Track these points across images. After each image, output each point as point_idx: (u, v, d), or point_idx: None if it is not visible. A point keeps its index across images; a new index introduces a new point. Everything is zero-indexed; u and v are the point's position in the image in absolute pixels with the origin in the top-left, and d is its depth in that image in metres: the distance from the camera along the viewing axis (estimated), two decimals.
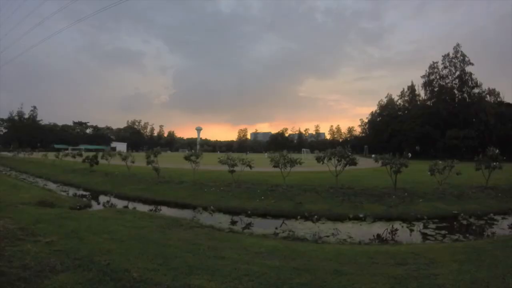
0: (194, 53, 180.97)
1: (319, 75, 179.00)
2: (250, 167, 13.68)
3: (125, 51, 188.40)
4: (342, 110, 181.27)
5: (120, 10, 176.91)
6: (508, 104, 56.30)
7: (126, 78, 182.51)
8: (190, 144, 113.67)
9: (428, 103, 60.40)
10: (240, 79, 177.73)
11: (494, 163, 13.27)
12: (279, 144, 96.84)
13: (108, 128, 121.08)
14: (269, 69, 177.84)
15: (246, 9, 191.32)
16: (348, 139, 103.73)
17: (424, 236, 7.99)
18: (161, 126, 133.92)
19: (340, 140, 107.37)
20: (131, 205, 11.96)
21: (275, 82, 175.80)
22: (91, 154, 21.87)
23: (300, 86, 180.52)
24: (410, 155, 13.39)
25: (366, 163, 22.36)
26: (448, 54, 58.04)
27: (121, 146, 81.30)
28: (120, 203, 12.35)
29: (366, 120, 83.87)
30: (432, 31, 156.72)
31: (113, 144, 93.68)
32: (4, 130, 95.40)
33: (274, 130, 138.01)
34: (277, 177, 13.98)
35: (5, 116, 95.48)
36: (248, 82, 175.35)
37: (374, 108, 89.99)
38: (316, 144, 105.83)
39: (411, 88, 66.27)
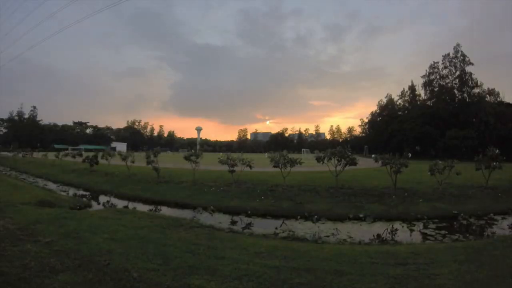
0: (191, 68, 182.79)
1: (307, 85, 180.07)
2: (250, 167, 13.69)
3: (129, 68, 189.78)
4: (334, 113, 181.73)
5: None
6: (508, 104, 56.25)
7: (129, 84, 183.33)
8: (190, 144, 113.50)
9: (428, 103, 60.46)
10: (239, 79, 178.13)
11: (494, 163, 13.26)
12: (279, 144, 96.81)
13: (108, 128, 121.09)
14: (264, 77, 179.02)
15: (230, 42, 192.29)
16: (348, 139, 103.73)
17: (424, 236, 7.99)
18: (161, 126, 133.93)
19: (340, 140, 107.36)
20: (131, 205, 11.96)
21: (271, 87, 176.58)
22: (91, 154, 21.85)
23: (295, 91, 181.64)
24: (410, 155, 13.33)
25: (366, 163, 22.34)
26: (448, 54, 58.13)
27: (121, 146, 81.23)
28: (120, 203, 12.35)
29: (366, 120, 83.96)
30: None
31: (113, 144, 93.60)
32: (4, 130, 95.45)
33: (274, 130, 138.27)
34: (277, 177, 13.98)
35: (5, 116, 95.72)
36: (245, 85, 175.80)
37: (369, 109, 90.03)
38: (316, 144, 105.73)
39: (411, 88, 66.35)
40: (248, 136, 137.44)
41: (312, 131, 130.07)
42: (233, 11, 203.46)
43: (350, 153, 12.69)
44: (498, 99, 58.71)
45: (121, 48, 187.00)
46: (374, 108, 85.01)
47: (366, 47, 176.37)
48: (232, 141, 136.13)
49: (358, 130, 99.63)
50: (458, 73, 56.80)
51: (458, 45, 57.01)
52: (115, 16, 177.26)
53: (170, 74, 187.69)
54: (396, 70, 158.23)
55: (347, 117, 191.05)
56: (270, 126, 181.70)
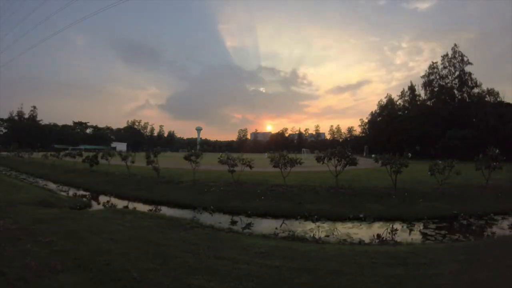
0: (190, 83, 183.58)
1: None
2: (250, 167, 13.68)
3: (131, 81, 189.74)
4: (341, 111, 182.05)
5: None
6: (508, 104, 56.16)
7: (129, 90, 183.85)
8: (190, 144, 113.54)
9: (428, 103, 60.44)
10: (239, 79, 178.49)
11: (494, 163, 13.26)
12: (279, 144, 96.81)
13: (108, 128, 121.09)
14: (267, 71, 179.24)
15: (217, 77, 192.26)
16: (348, 139, 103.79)
17: (424, 236, 7.98)
18: (161, 126, 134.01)
19: (340, 140, 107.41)
20: (131, 205, 11.95)
21: (274, 82, 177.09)
22: (91, 154, 21.85)
23: (298, 88, 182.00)
24: (410, 155, 13.30)
25: (366, 163, 22.36)
26: (446, 54, 58.23)
27: (121, 146, 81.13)
28: (120, 203, 12.34)
29: (366, 120, 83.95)
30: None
31: (113, 144, 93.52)
32: (4, 130, 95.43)
33: (274, 130, 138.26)
34: (277, 177, 13.98)
35: (5, 116, 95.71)
36: (247, 82, 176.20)
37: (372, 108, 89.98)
38: (316, 144, 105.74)
39: (411, 88, 66.29)
40: (248, 136, 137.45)
41: (312, 131, 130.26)
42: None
43: (350, 153, 12.68)
44: (498, 99, 58.65)
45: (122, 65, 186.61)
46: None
47: None
48: (232, 141, 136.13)
49: (358, 130, 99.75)
50: (457, 73, 56.89)
51: (455, 45, 57.31)
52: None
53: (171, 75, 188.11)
54: None
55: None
56: (270, 126, 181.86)
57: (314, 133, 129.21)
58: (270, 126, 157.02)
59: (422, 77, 61.71)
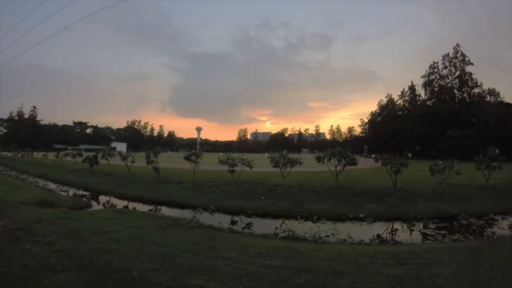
0: (191, 73, 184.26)
1: (302, 87, 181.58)
2: (250, 167, 13.68)
3: (132, 72, 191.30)
4: (340, 111, 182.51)
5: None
6: (508, 104, 56.24)
7: (129, 86, 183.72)
8: (190, 144, 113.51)
9: (428, 103, 60.40)
10: (238, 80, 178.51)
11: (494, 163, 13.26)
12: (279, 144, 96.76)
13: (108, 128, 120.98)
14: (263, 82, 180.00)
15: (226, 52, 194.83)
16: (348, 139, 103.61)
17: (424, 236, 7.99)
18: (161, 126, 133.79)
19: (340, 140, 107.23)
20: (131, 205, 11.97)
21: (274, 83, 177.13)
22: (91, 154, 21.84)
23: (293, 92, 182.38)
24: (410, 155, 13.33)
25: (366, 163, 22.35)
26: (447, 54, 58.19)
27: (121, 146, 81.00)
28: (120, 203, 12.35)
29: (366, 120, 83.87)
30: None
31: (113, 144, 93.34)
32: (4, 130, 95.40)
33: (274, 130, 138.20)
34: (277, 177, 13.98)
35: (5, 116, 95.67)
36: (246, 83, 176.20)
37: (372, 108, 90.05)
38: (316, 144, 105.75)
39: (411, 88, 66.28)
40: (248, 136, 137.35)
41: (312, 131, 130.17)
42: (228, 23, 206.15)
43: (350, 153, 12.69)
44: (498, 99, 58.76)
45: (123, 54, 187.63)
46: (372, 108, 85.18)
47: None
48: (232, 141, 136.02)
49: (358, 130, 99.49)
50: (458, 73, 56.86)
51: (457, 45, 57.15)
52: (118, 26, 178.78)
53: (171, 78, 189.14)
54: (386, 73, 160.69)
55: (343, 117, 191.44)
56: (270, 126, 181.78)
57: (314, 133, 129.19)
58: (269, 126, 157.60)
59: (422, 77, 61.76)
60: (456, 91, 57.07)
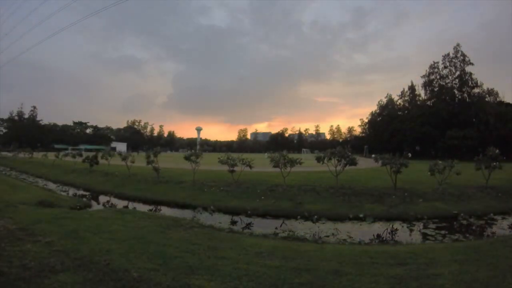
0: (192, 59, 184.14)
1: (314, 79, 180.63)
2: (250, 167, 13.68)
3: (127, 58, 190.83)
4: (340, 111, 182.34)
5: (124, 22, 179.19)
6: (508, 104, 56.25)
7: (127, 80, 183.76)
8: (190, 144, 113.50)
9: (428, 103, 60.37)
10: (238, 80, 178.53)
11: (494, 163, 13.26)
12: (279, 144, 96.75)
13: (108, 128, 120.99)
14: (267, 72, 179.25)
15: (239, 23, 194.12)
16: (348, 139, 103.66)
17: (424, 236, 7.99)
18: (161, 126, 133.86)
19: (340, 140, 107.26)
20: (131, 205, 11.96)
21: (273, 83, 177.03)
22: (91, 154, 21.85)
23: (297, 88, 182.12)
24: (410, 155, 13.36)
25: (366, 163, 22.37)
26: (448, 54, 58.05)
27: (121, 146, 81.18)
28: (120, 203, 12.35)
29: (366, 120, 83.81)
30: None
31: (113, 144, 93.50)
32: (4, 130, 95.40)
33: (274, 130, 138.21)
34: (277, 177, 13.98)
35: (5, 116, 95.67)
36: (246, 84, 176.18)
37: (372, 108, 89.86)
38: (316, 144, 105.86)
39: (411, 88, 66.30)
40: (248, 136, 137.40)
41: (312, 131, 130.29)
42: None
43: (350, 153, 12.69)
44: (498, 99, 58.72)
45: (119, 39, 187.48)
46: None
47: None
48: (232, 141, 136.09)
49: (358, 130, 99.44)
50: (458, 73, 56.75)
51: (458, 45, 57.04)
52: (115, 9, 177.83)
53: (170, 66, 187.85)
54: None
55: (354, 114, 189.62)
56: (270, 126, 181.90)
57: (314, 133, 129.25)
58: (270, 126, 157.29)
59: (422, 77, 61.68)
60: (456, 91, 56.98)
